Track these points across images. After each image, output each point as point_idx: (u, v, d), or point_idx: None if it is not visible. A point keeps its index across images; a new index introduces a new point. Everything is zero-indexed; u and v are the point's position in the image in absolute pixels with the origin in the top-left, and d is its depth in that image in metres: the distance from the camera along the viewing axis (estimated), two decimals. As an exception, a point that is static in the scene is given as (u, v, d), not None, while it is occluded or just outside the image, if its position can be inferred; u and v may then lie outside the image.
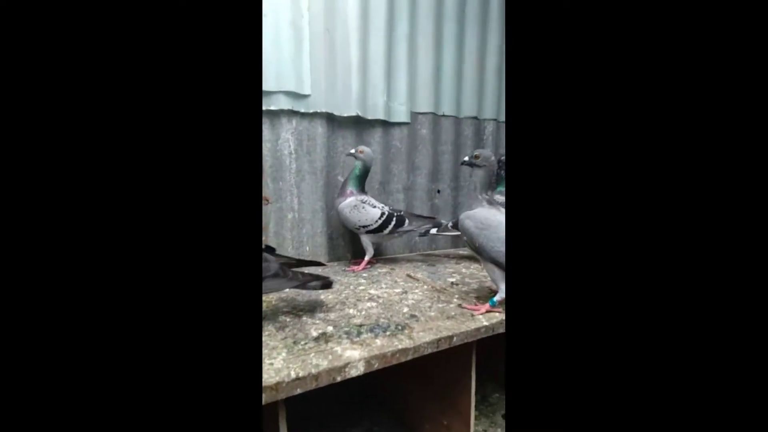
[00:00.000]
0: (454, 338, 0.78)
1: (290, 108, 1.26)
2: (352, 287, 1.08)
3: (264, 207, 1.29)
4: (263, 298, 0.97)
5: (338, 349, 0.69)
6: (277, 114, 1.26)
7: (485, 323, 0.83)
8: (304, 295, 1.00)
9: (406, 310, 0.90)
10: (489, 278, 0.96)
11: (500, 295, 0.88)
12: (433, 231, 1.36)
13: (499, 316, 0.86)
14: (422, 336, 0.75)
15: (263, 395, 0.56)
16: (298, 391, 0.60)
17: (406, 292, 1.04)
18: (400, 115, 1.50)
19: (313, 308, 0.90)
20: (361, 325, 0.80)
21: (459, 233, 1.03)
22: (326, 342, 0.72)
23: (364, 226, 1.27)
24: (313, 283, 0.86)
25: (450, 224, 1.37)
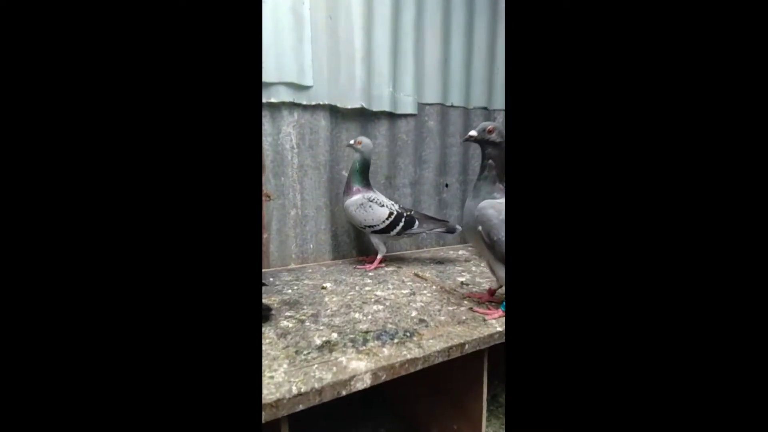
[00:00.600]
0: (466, 346, 0.73)
1: (291, 100, 1.21)
2: (357, 288, 1.04)
3: (265, 204, 1.24)
4: (266, 298, 0.93)
5: (343, 359, 0.65)
6: (277, 106, 1.21)
7: (498, 329, 0.78)
8: (307, 297, 0.96)
9: (414, 314, 0.86)
10: (495, 277, 0.86)
11: None
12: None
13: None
14: (432, 344, 0.71)
15: (263, 413, 0.52)
16: (300, 407, 0.56)
17: (414, 294, 0.99)
18: (407, 106, 1.44)
19: (317, 312, 0.86)
20: (367, 332, 0.76)
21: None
22: (330, 351, 0.67)
23: (370, 226, 1.20)
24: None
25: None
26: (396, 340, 0.72)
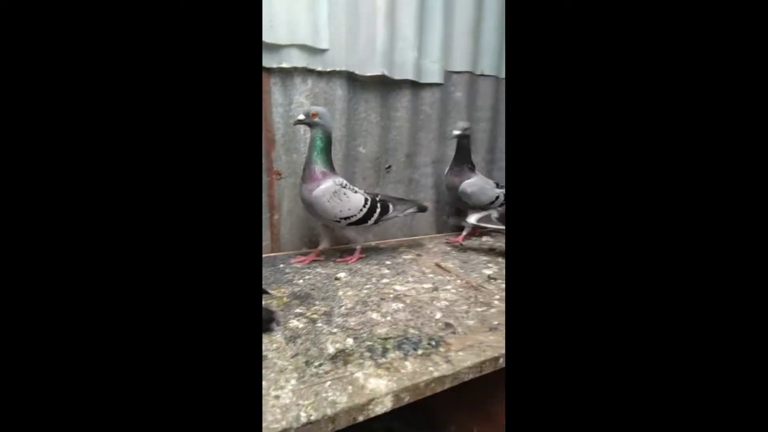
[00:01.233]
0: (500, 360, 0.64)
1: (305, 66, 1.07)
2: (374, 280, 0.95)
3: (276, 182, 1.14)
4: (275, 292, 0.85)
5: (360, 375, 0.56)
6: (289, 72, 1.08)
7: (536, 339, 0.68)
8: (319, 290, 0.87)
9: (439, 315, 0.76)
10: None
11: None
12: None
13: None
14: (462, 358, 0.62)
15: (266, 444, 0.44)
16: (310, 437, 0.48)
17: (437, 289, 0.90)
18: (433, 74, 1.28)
19: (330, 310, 0.77)
20: (386, 338, 0.67)
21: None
22: (345, 363, 0.59)
23: (346, 218, 1.00)
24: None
25: (495, 216, 1.19)
26: (420, 351, 0.63)
